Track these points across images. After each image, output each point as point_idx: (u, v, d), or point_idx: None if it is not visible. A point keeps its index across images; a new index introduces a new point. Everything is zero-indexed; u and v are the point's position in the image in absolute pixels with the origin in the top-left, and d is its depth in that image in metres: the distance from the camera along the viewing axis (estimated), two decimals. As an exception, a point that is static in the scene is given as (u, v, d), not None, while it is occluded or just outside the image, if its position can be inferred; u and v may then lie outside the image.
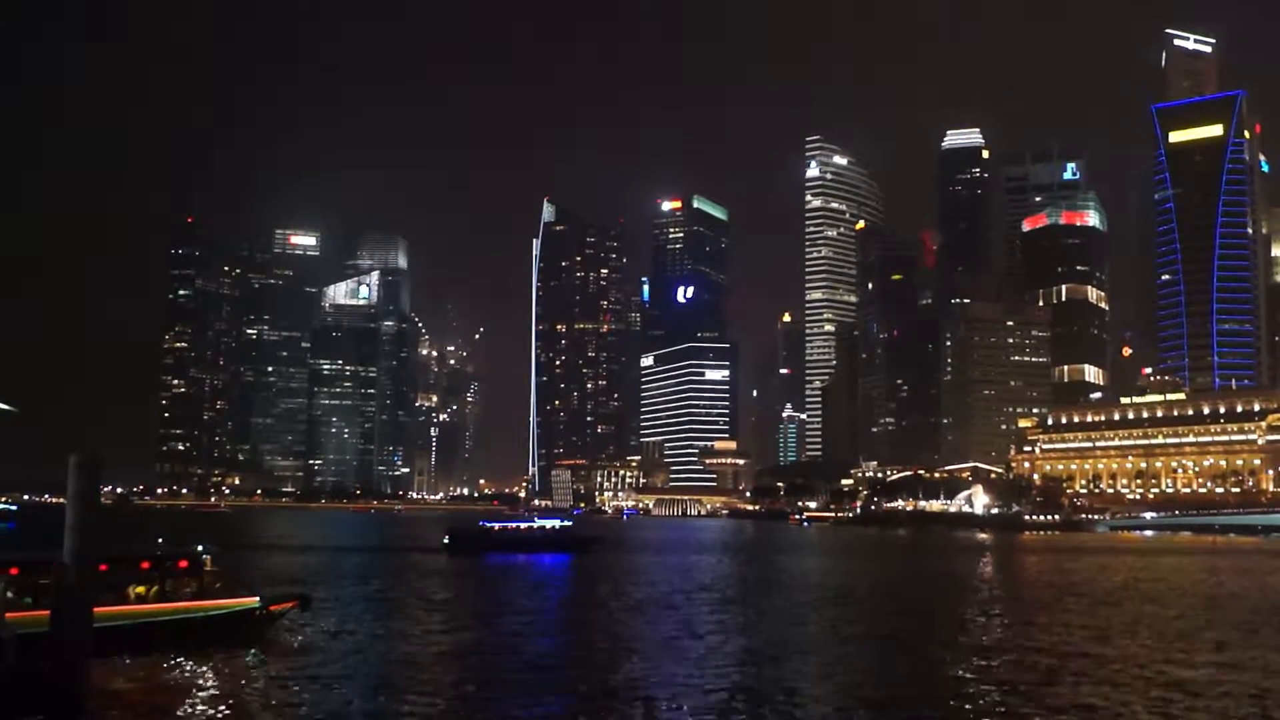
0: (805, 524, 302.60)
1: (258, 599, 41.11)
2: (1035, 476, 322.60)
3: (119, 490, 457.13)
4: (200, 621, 38.17)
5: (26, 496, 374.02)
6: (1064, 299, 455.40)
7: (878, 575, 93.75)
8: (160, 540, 48.54)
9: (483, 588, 71.49)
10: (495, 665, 37.63)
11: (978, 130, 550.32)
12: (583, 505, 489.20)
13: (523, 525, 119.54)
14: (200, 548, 41.82)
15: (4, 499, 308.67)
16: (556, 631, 49.29)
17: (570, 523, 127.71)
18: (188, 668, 35.29)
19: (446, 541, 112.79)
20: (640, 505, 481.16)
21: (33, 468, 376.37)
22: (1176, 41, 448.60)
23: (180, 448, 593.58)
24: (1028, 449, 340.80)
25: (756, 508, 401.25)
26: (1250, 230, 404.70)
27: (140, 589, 38.11)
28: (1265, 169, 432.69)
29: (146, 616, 37.04)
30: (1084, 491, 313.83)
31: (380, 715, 30.04)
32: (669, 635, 45.94)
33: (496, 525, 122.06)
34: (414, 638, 44.99)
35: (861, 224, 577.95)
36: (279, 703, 30.72)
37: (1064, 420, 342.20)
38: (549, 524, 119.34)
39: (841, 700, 32.00)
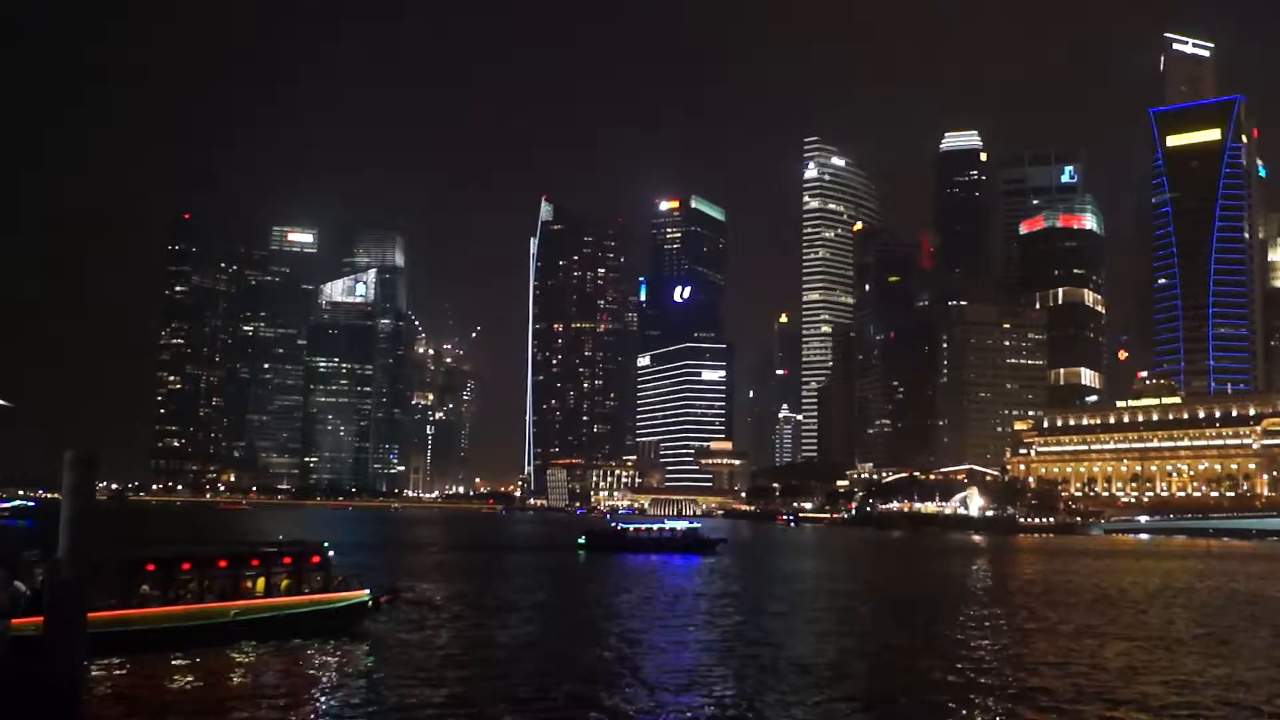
0: (791, 523, 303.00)
1: (368, 592, 44.29)
2: (1030, 479, 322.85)
3: (114, 486, 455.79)
4: (327, 613, 41.59)
5: (22, 492, 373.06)
6: (1060, 302, 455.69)
7: (873, 579, 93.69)
8: (280, 537, 52.18)
9: (607, 586, 73.51)
10: (601, 663, 38.53)
11: (976, 133, 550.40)
12: (580, 505, 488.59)
13: (654, 527, 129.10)
14: (325, 544, 44.70)
15: (2, 494, 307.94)
16: (655, 628, 49.27)
17: (698, 525, 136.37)
18: (320, 655, 37.93)
19: (583, 541, 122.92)
20: (636, 505, 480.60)
21: (35, 465, 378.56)
22: (1175, 45, 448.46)
23: (176, 444, 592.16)
24: (1023, 451, 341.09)
25: (752, 508, 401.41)
26: (1247, 235, 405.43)
27: (259, 583, 40.82)
28: (1263, 174, 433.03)
29: (288, 609, 40.18)
30: (1079, 494, 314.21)
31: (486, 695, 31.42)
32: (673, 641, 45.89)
33: (630, 527, 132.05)
34: (520, 632, 46.73)
35: (859, 225, 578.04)
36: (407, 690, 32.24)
37: (1059, 423, 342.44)
38: (678, 526, 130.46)
39: (840, 703, 31.92)
